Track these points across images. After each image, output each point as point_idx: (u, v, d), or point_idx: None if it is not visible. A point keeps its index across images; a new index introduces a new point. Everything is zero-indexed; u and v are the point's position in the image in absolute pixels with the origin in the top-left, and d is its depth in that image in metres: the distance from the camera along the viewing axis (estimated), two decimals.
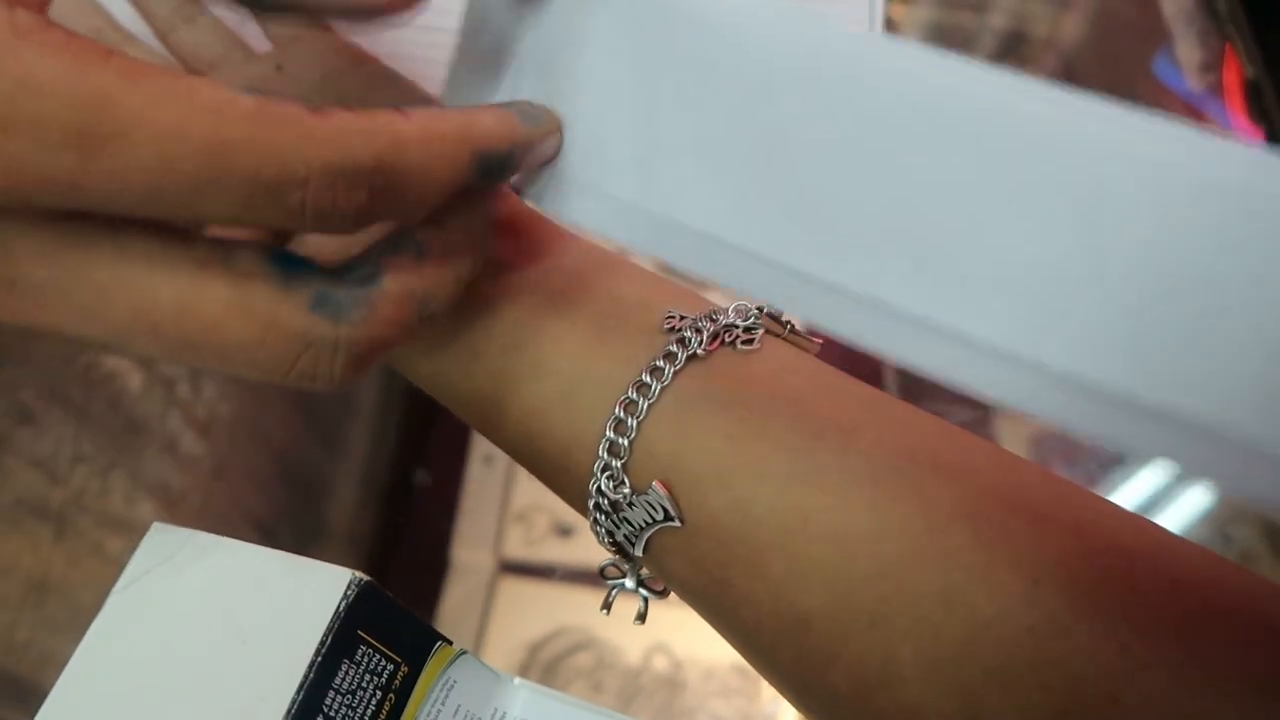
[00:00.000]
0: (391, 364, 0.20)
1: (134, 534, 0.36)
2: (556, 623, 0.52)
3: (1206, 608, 0.14)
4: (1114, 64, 0.47)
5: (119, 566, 0.36)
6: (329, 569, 0.16)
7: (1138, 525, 0.15)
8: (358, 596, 0.16)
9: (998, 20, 0.59)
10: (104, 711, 0.15)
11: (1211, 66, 0.29)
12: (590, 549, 0.19)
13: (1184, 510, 0.38)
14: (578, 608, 0.53)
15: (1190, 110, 0.31)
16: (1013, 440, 0.58)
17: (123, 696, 0.15)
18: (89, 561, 0.34)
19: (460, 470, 0.59)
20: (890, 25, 0.62)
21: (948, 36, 0.62)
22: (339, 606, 0.15)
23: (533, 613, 0.52)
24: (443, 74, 0.26)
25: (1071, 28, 0.53)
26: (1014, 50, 0.59)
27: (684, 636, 0.53)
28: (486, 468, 0.60)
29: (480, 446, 0.61)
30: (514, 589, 0.54)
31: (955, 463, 0.16)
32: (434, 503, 0.59)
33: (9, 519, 0.30)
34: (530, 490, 0.59)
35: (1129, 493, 0.45)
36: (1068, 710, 0.14)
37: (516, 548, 0.56)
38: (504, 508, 0.59)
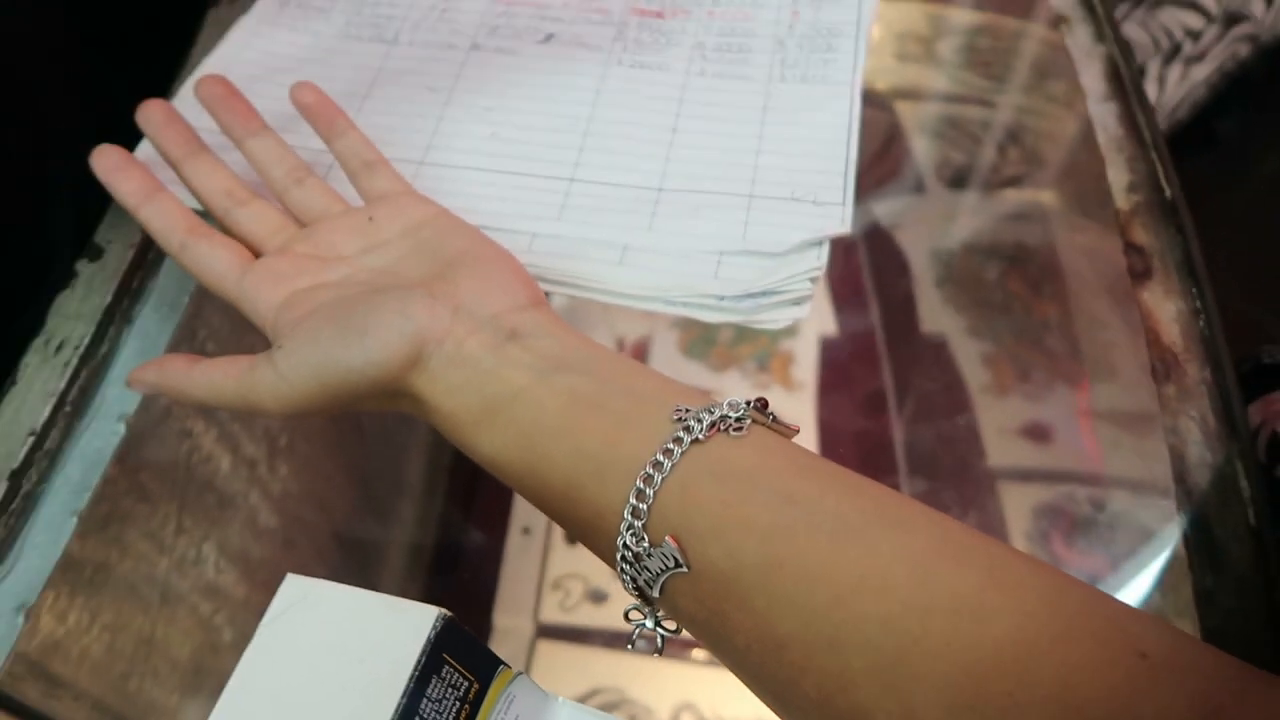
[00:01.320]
0: (459, 447, 0.26)
1: (221, 599, 0.42)
2: (591, 683, 0.55)
3: (1077, 628, 0.18)
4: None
5: (209, 628, 0.42)
6: (421, 607, 0.21)
7: (1036, 567, 0.20)
8: (443, 628, 0.20)
9: (1004, 116, 0.65)
10: (259, 714, 0.19)
11: (1137, 188, 0.34)
12: (623, 614, 0.24)
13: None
14: (611, 669, 0.57)
15: None
16: (1016, 510, 0.62)
17: (271, 704, 0.20)
18: (185, 622, 0.39)
19: (500, 541, 0.64)
20: (897, 117, 0.68)
21: (957, 128, 0.68)
22: (429, 635, 0.20)
23: (569, 674, 0.56)
24: (514, 210, 0.31)
25: (1070, 123, 0.59)
26: (1016, 140, 0.65)
27: (711, 696, 0.56)
28: (525, 538, 0.64)
29: (519, 519, 0.65)
30: (551, 652, 0.58)
31: (897, 520, 0.21)
32: (476, 571, 0.63)
33: (127, 583, 0.36)
34: (566, 560, 0.63)
35: (1128, 566, 0.48)
36: (975, 705, 0.18)
37: (553, 613, 0.60)
38: (541, 576, 0.63)
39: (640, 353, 0.66)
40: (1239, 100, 1.19)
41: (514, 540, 0.63)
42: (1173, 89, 1.16)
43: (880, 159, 0.69)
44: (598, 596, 0.60)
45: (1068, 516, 0.49)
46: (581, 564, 0.61)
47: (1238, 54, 1.20)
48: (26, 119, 0.44)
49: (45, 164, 0.46)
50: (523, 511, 0.64)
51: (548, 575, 0.61)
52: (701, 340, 0.69)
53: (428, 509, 0.64)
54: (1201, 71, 1.17)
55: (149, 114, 0.30)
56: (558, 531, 0.63)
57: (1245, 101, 1.19)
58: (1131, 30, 1.14)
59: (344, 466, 0.56)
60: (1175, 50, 1.15)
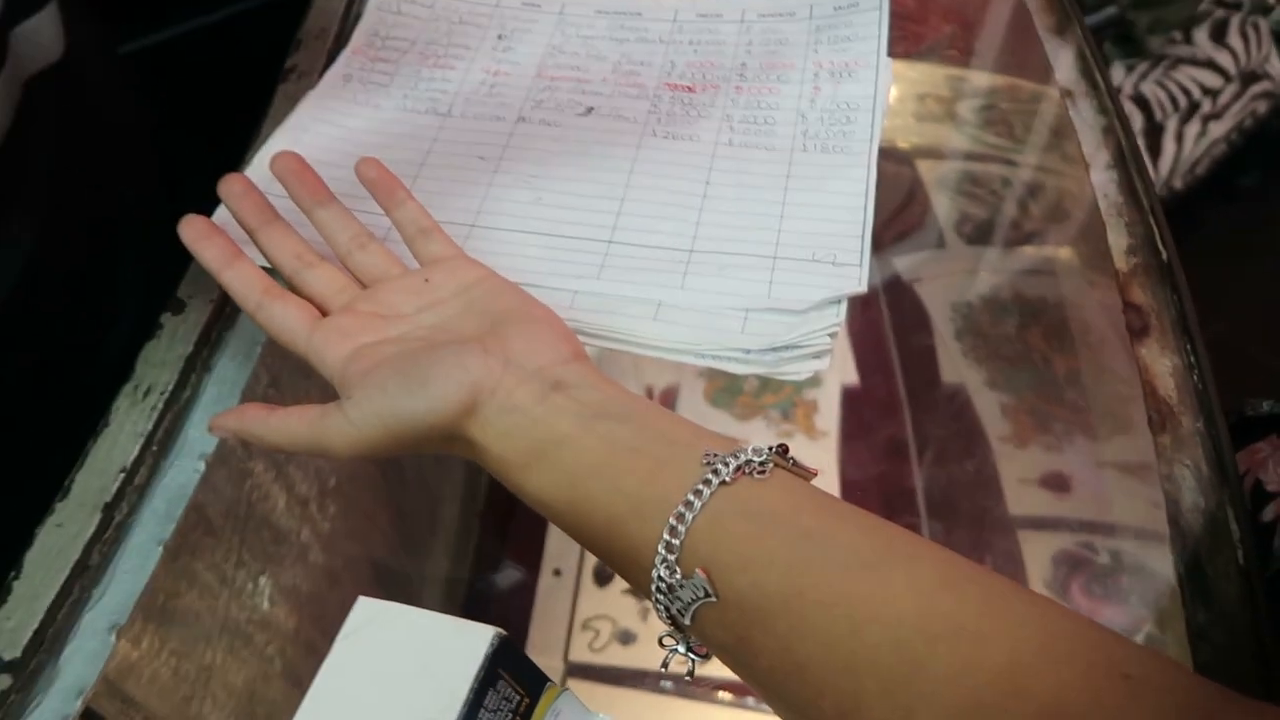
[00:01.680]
0: (508, 487, 0.28)
1: (273, 630, 0.44)
2: None
3: (1067, 652, 0.20)
4: None
5: (262, 656, 0.44)
6: (479, 626, 0.23)
7: (1030, 597, 0.22)
8: (499, 646, 0.23)
9: (1020, 175, 0.68)
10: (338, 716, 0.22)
11: (1135, 250, 0.37)
12: (650, 654, 0.26)
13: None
14: (640, 708, 0.58)
15: None
16: (1036, 557, 0.63)
17: (345, 712, 0.22)
18: (242, 651, 0.42)
19: (532, 582, 0.66)
20: (918, 173, 0.71)
21: (975, 185, 0.71)
22: (487, 652, 0.23)
23: (599, 712, 0.58)
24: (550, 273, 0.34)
25: (1082, 185, 0.61)
26: (1033, 198, 0.68)
27: None
28: (556, 580, 0.66)
29: (550, 561, 0.67)
30: (581, 691, 0.59)
31: (905, 554, 0.23)
32: (508, 610, 0.65)
33: (192, 612, 0.39)
34: (595, 601, 0.64)
35: (1126, 604, 0.48)
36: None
37: (583, 653, 0.62)
38: (571, 617, 0.65)
39: (668, 400, 0.69)
40: (1258, 156, 1.21)
41: (545, 581, 0.65)
42: (1191, 146, 1.18)
43: (902, 214, 0.71)
44: (626, 637, 0.61)
45: (1074, 559, 0.50)
46: (610, 606, 0.62)
47: (1256, 111, 1.22)
48: (102, 186, 0.48)
49: (117, 225, 0.50)
50: (554, 554, 0.66)
51: (578, 616, 0.63)
52: (727, 390, 0.71)
53: (463, 551, 0.66)
54: (1220, 128, 1.19)
55: (229, 187, 0.34)
56: (588, 574, 0.65)
57: (1265, 158, 1.22)
58: (1149, 89, 1.17)
59: (386, 508, 0.59)
60: (1193, 108, 1.18)
